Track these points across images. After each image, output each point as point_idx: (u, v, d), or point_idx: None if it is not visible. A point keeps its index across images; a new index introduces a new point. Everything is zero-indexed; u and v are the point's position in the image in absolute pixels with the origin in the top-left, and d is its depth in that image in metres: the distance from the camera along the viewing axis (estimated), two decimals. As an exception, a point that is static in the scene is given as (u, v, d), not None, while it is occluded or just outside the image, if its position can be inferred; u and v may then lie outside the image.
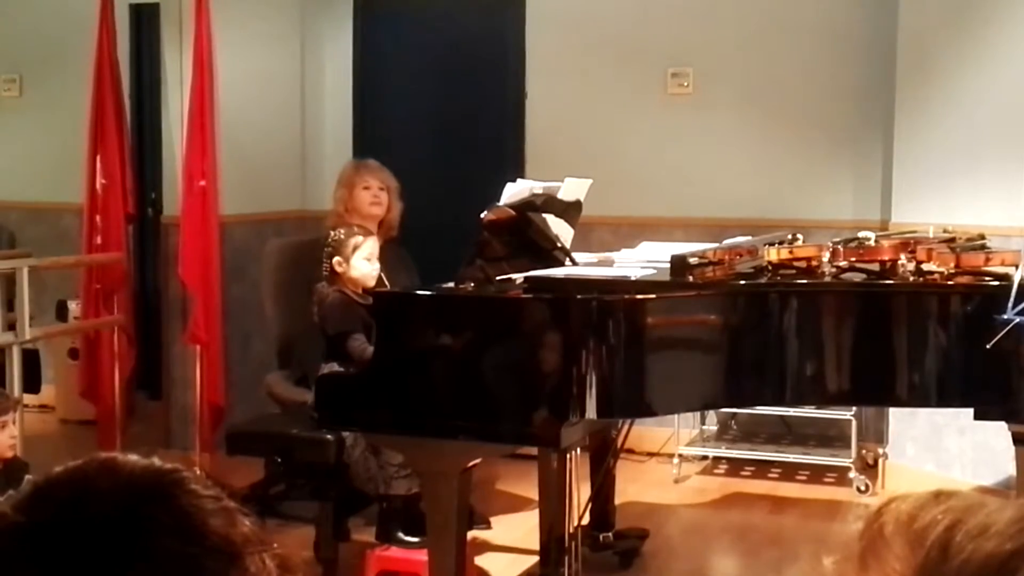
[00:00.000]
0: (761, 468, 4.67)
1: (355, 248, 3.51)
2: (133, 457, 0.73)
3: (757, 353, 2.72)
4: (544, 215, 3.33)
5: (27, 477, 3.26)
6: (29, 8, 5.70)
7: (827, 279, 2.85)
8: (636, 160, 4.95)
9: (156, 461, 0.73)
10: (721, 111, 4.88)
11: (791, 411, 4.48)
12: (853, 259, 2.87)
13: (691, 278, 2.80)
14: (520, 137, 5.13)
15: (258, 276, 4.30)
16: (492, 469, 4.26)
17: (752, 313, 2.71)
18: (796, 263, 2.95)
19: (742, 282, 2.84)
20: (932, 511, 0.69)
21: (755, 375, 2.74)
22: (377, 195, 3.99)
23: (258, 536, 0.71)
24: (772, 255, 2.94)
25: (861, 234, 3.04)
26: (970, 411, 2.78)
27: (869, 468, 4.55)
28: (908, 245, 2.88)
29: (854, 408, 4.33)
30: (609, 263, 3.37)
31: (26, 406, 4.12)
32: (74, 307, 5.02)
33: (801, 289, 2.76)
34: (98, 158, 4.46)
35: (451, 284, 3.01)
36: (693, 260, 2.86)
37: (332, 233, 3.60)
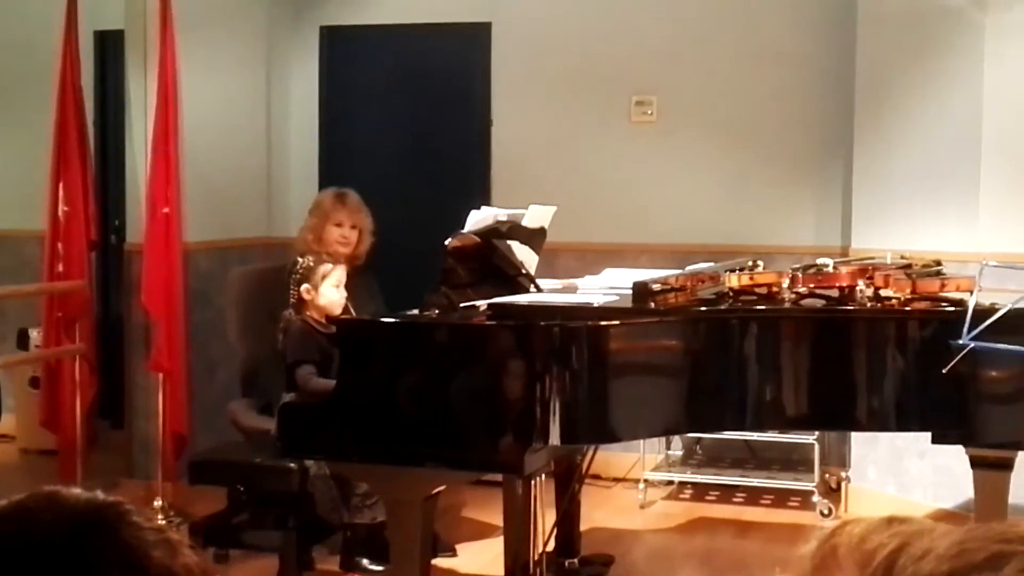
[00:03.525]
0: (726, 493, 4.69)
1: (324, 276, 3.51)
2: (76, 490, 0.73)
3: (718, 378, 2.74)
4: (509, 242, 3.35)
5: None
6: (-9, 34, 5.67)
7: (787, 305, 2.88)
8: (601, 187, 4.99)
9: (99, 494, 0.73)
10: (685, 138, 4.93)
11: (755, 436, 4.51)
12: (812, 285, 2.91)
13: (653, 304, 2.82)
14: (486, 163, 5.15)
15: (222, 303, 4.28)
16: (458, 496, 4.24)
17: (713, 339, 2.74)
18: (757, 289, 2.98)
19: (703, 308, 2.86)
20: (882, 534, 0.72)
21: (716, 400, 2.76)
22: (346, 235, 3.98)
23: (201, 568, 0.71)
24: (733, 281, 2.97)
25: (820, 260, 3.08)
26: (929, 435, 2.82)
27: (832, 492, 4.59)
28: (866, 271, 2.93)
29: (817, 432, 4.37)
30: (573, 289, 3.39)
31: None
32: (35, 335, 4.97)
33: (761, 315, 2.80)
34: (60, 184, 4.43)
35: (416, 311, 3.02)
36: (655, 286, 2.89)
37: (301, 260, 3.60)
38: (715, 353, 2.73)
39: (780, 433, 4.40)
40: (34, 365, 4.89)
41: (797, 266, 3.07)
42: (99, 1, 4.82)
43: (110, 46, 5.30)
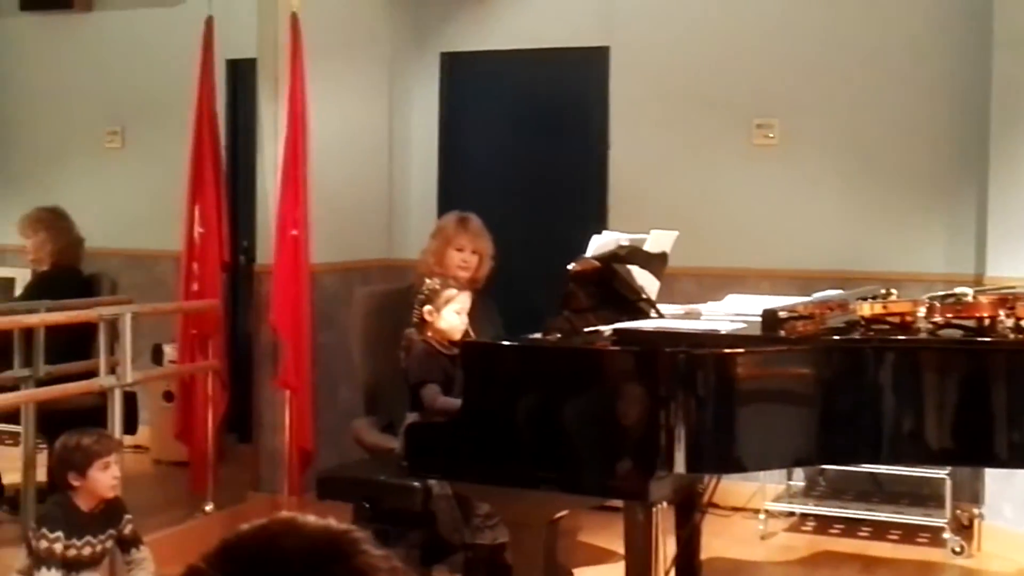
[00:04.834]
0: (851, 526, 4.57)
1: (447, 300, 3.56)
2: (311, 518, 0.78)
3: (851, 410, 2.69)
4: (629, 266, 3.35)
5: (126, 516, 3.36)
6: (131, 63, 5.94)
7: (923, 335, 2.81)
8: (720, 211, 4.94)
9: (332, 522, 0.78)
10: (808, 161, 4.85)
11: (883, 468, 4.38)
12: (950, 315, 2.82)
13: (783, 332, 2.78)
14: (603, 188, 5.16)
15: (346, 323, 4.38)
16: (575, 520, 4.23)
17: (846, 369, 2.68)
18: (890, 318, 2.91)
19: (836, 337, 2.81)
20: None
21: (849, 432, 2.71)
22: (467, 260, 4.03)
23: None
24: (865, 310, 2.91)
25: (958, 290, 2.98)
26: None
27: (964, 529, 4.42)
28: (1007, 301, 2.83)
29: (948, 467, 4.22)
30: (696, 315, 3.37)
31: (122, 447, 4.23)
32: (169, 351, 5.17)
33: (899, 345, 2.72)
34: (196, 207, 4.60)
35: (537, 335, 3.04)
36: (784, 314, 2.84)
37: (427, 282, 3.66)
38: (848, 383, 2.68)
39: (911, 466, 4.27)
40: (168, 380, 5.09)
41: (933, 295, 2.98)
42: (232, 31, 5.00)
43: (242, 74, 5.49)
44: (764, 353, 2.74)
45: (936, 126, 4.69)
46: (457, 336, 3.57)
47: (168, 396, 5.20)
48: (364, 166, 5.21)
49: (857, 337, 2.82)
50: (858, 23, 4.79)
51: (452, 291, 3.58)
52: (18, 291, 5.06)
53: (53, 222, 4.72)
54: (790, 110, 4.86)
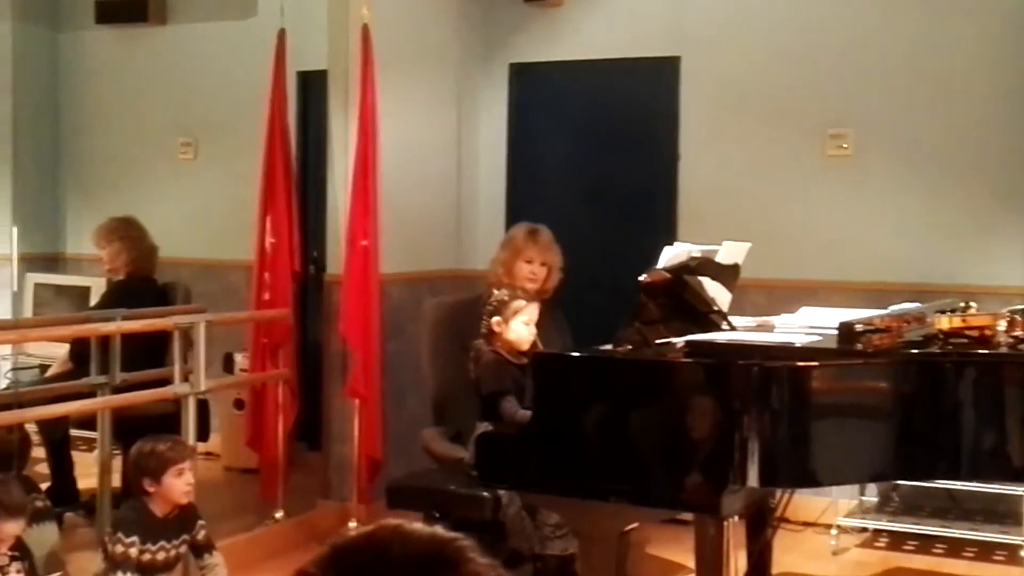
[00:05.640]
0: (925, 543, 4.47)
1: (516, 311, 3.57)
2: (418, 525, 0.78)
3: (930, 425, 2.63)
4: (701, 278, 3.32)
5: (199, 522, 3.41)
6: (204, 76, 6.06)
7: (1003, 349, 2.74)
8: (792, 222, 4.88)
9: (439, 530, 0.78)
10: (882, 172, 4.77)
11: (958, 484, 4.29)
12: (1033, 329, 2.76)
13: (859, 346, 2.74)
14: (672, 199, 5.13)
15: (414, 333, 4.41)
16: (642, 532, 4.20)
17: (925, 383, 2.63)
18: (969, 332, 2.85)
19: (914, 351, 2.76)
20: None
21: (928, 447, 2.65)
22: (535, 272, 4.04)
23: None
24: (944, 323, 2.86)
25: (1041, 303, 2.91)
26: None
27: (1042, 547, 4.31)
28: (1091, 315, 2.75)
29: (1027, 483, 4.11)
30: (769, 328, 3.33)
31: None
32: (240, 359, 5.25)
33: (981, 359, 2.67)
34: (268, 218, 4.67)
35: (608, 346, 3.03)
36: (860, 327, 2.80)
37: (496, 292, 3.67)
38: (927, 398, 2.63)
39: (991, 483, 4.17)
40: (240, 388, 5.16)
41: (1013, 308, 2.92)
42: (303, 43, 5.07)
43: (313, 86, 5.56)
44: (840, 366, 2.70)
45: (1014, 135, 4.58)
46: (525, 347, 3.58)
47: (239, 404, 5.28)
48: (433, 177, 5.24)
49: (936, 351, 2.77)
50: (932, 31, 4.71)
51: (520, 302, 3.59)
52: (93, 300, 5.17)
53: (127, 232, 4.81)
54: (864, 120, 4.79)
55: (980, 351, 2.73)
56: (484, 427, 3.37)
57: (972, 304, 3.10)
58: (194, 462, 3.47)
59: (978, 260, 4.61)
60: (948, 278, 4.52)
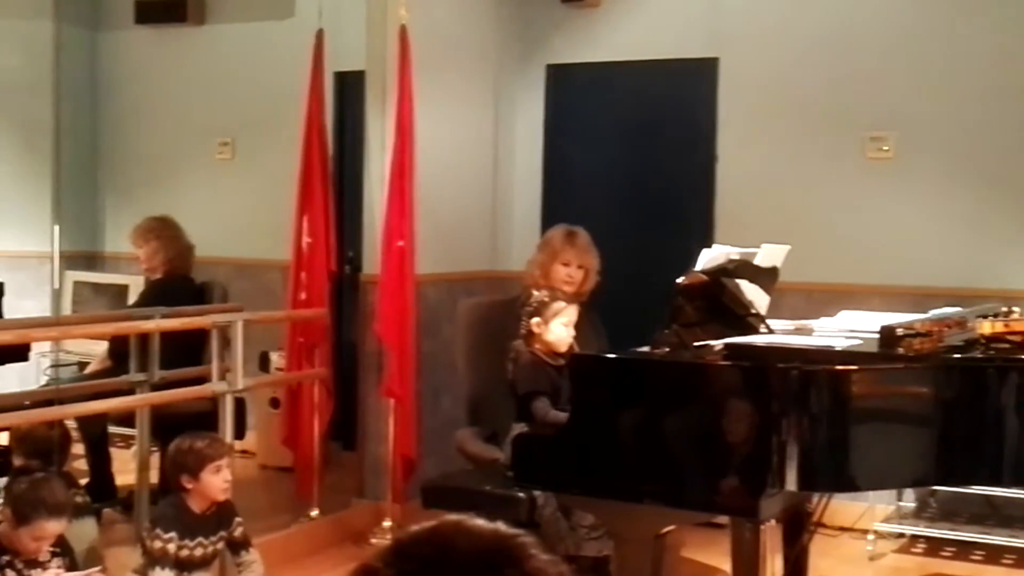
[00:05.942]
0: (963, 549, 4.42)
1: (556, 313, 3.57)
2: (480, 521, 0.79)
3: (972, 430, 2.60)
4: (739, 281, 3.30)
5: (236, 519, 3.43)
6: (242, 76, 6.10)
7: (1048, 354, 2.71)
8: (831, 226, 4.84)
9: (501, 526, 0.78)
10: (923, 175, 4.73)
11: (998, 491, 4.24)
12: (1078, 334, 2.72)
13: (900, 350, 2.71)
14: (710, 201, 5.10)
15: (449, 334, 4.41)
16: (678, 536, 4.18)
17: (967, 388, 2.60)
18: (1011, 337, 2.81)
19: (957, 356, 2.72)
20: None
21: (970, 453, 2.62)
22: (572, 275, 4.04)
23: None
24: (985, 328, 2.82)
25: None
26: None
27: (1084, 556, 4.25)
28: None
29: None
30: (808, 331, 3.31)
31: (231, 451, 4.33)
32: (275, 358, 5.28)
33: (1023, 365, 2.63)
34: (305, 218, 4.69)
35: (645, 348, 3.02)
36: (901, 331, 2.77)
37: (535, 294, 3.67)
38: (969, 403, 2.60)
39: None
40: (276, 387, 5.19)
41: (1058, 313, 2.87)
42: (341, 44, 5.09)
43: (350, 86, 5.58)
44: (881, 371, 2.68)
45: (1058, 138, 4.52)
46: (564, 348, 3.58)
47: (274, 403, 5.31)
48: (469, 178, 5.25)
49: (978, 356, 2.74)
50: (972, 34, 4.65)
51: (560, 304, 3.59)
52: (132, 298, 5.22)
53: (163, 231, 4.85)
54: (905, 123, 4.74)
55: (1022, 356, 2.69)
56: (520, 428, 3.38)
57: (1015, 309, 3.06)
58: (231, 459, 3.49)
59: (1020, 264, 4.55)
60: (990, 282, 4.46)
